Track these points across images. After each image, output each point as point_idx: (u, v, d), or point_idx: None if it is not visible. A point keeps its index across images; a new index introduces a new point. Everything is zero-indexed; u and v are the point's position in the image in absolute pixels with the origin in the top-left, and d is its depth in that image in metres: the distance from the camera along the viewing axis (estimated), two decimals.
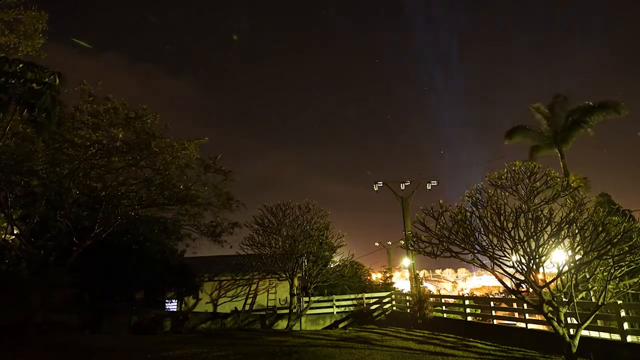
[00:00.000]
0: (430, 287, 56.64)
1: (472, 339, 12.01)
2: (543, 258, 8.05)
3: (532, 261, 8.01)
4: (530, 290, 8.42)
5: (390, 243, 39.68)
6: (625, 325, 8.51)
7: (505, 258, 8.40)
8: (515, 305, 12.90)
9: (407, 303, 17.97)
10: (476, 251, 8.59)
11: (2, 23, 11.38)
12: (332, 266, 20.38)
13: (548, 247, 7.96)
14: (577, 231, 7.68)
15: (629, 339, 8.47)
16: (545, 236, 7.93)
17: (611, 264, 7.75)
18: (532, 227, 7.95)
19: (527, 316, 11.41)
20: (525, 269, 8.08)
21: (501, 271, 8.62)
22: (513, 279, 8.59)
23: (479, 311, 14.44)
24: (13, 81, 4.42)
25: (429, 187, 23.06)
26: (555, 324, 7.74)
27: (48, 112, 4.64)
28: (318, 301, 19.29)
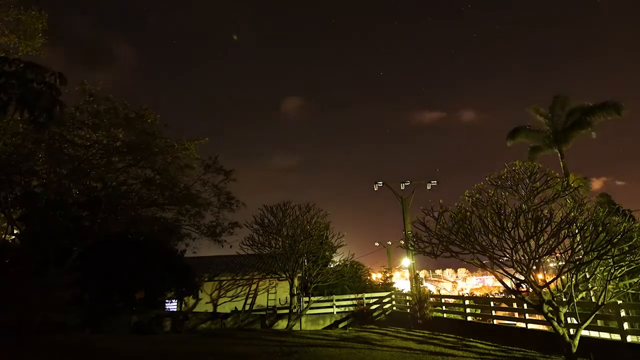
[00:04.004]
0: (430, 287, 56.63)
1: (472, 339, 12.01)
2: (543, 258, 8.05)
3: (532, 261, 8.01)
4: (530, 290, 8.42)
5: (390, 243, 39.64)
6: (625, 325, 8.50)
7: (505, 258, 8.40)
8: (515, 305, 12.89)
9: (407, 303, 17.97)
10: (476, 251, 8.58)
11: (2, 23, 11.39)
12: (332, 266, 20.37)
13: (548, 247, 7.96)
14: (577, 231, 7.67)
15: (629, 339, 8.46)
16: (545, 236, 7.92)
17: (611, 264, 7.75)
18: (532, 227, 7.95)
19: (527, 316, 11.39)
20: (525, 269, 8.07)
21: (501, 271, 8.62)
22: (513, 279, 8.59)
23: (479, 311, 14.43)
24: (13, 81, 4.42)
25: (428, 187, 23.02)
26: (555, 324, 7.74)
27: (48, 112, 4.64)
28: (318, 301, 19.28)
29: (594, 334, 9.74)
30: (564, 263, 8.03)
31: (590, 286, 9.48)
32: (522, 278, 8.30)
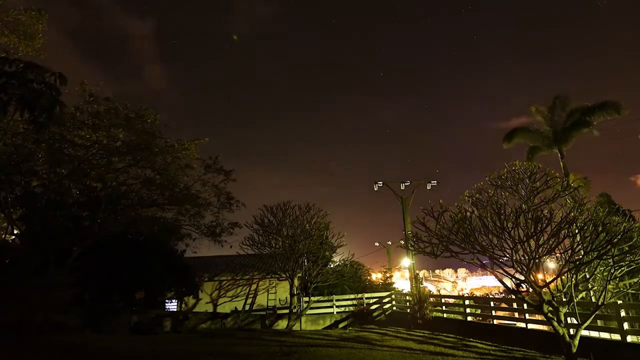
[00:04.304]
0: (430, 287, 56.61)
1: (472, 339, 12.01)
2: (543, 258, 8.05)
3: (532, 261, 8.01)
4: (530, 290, 8.42)
5: (390, 243, 39.66)
6: (625, 325, 8.51)
7: (505, 258, 8.40)
8: (515, 305, 12.90)
9: (407, 303, 17.98)
10: (476, 251, 8.59)
11: (2, 23, 11.40)
12: (332, 266, 20.38)
13: (548, 247, 7.96)
14: (577, 231, 7.68)
15: (629, 339, 8.47)
16: (545, 236, 7.93)
17: (611, 264, 7.75)
18: (532, 227, 7.95)
19: (527, 316, 11.40)
20: (525, 269, 8.08)
21: (501, 271, 8.63)
22: (513, 279, 8.59)
23: (479, 311, 14.44)
24: (14, 81, 4.42)
25: (428, 187, 23.04)
26: (555, 324, 7.74)
27: (48, 112, 4.64)
28: (318, 301, 19.29)
29: (594, 334, 9.75)
30: (564, 263, 8.03)
31: (590, 286, 9.48)
32: (522, 278, 8.31)
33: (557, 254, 8.69)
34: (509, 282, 8.78)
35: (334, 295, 19.86)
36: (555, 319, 7.79)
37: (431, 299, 16.70)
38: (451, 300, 18.44)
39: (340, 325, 18.62)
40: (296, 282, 17.32)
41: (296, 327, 17.45)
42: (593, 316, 7.85)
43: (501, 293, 34.09)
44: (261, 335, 13.91)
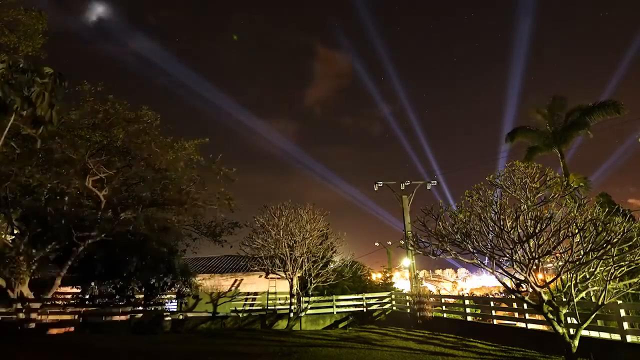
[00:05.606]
0: (430, 287, 56.47)
1: (472, 339, 12.01)
2: (543, 258, 8.05)
3: (532, 261, 8.01)
4: (530, 290, 8.42)
5: (390, 243, 39.64)
6: (625, 325, 8.51)
7: (505, 258, 8.40)
8: (515, 305, 12.89)
9: (407, 303, 17.98)
10: (476, 251, 8.58)
11: (2, 23, 11.39)
12: (332, 266, 20.35)
13: (548, 247, 7.96)
14: (577, 231, 7.67)
15: (629, 339, 8.47)
16: (545, 236, 7.92)
17: (611, 264, 7.75)
18: (532, 227, 7.95)
19: (527, 316, 11.39)
20: (525, 269, 8.08)
21: (501, 271, 8.62)
22: (513, 279, 8.59)
23: (479, 311, 14.43)
24: (13, 81, 4.43)
25: (429, 187, 23.06)
26: (555, 324, 7.74)
27: (48, 112, 4.65)
28: (318, 301, 19.26)
29: (594, 334, 9.74)
30: (563, 263, 8.03)
31: (590, 286, 9.47)
32: (522, 278, 8.31)
33: (557, 254, 8.69)
34: (509, 282, 8.78)
35: (334, 295, 19.83)
36: (555, 319, 7.79)
37: (431, 299, 16.69)
38: (451, 300, 18.44)
39: (340, 325, 18.61)
40: (296, 282, 17.32)
41: (296, 327, 17.44)
42: (593, 316, 7.85)
43: (501, 293, 34.01)
44: (261, 335, 13.92)
